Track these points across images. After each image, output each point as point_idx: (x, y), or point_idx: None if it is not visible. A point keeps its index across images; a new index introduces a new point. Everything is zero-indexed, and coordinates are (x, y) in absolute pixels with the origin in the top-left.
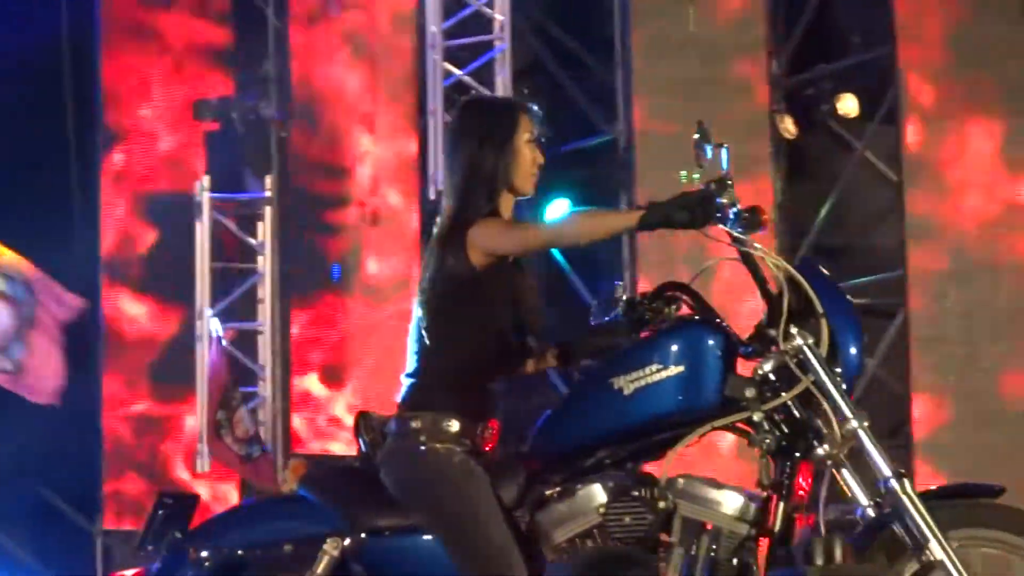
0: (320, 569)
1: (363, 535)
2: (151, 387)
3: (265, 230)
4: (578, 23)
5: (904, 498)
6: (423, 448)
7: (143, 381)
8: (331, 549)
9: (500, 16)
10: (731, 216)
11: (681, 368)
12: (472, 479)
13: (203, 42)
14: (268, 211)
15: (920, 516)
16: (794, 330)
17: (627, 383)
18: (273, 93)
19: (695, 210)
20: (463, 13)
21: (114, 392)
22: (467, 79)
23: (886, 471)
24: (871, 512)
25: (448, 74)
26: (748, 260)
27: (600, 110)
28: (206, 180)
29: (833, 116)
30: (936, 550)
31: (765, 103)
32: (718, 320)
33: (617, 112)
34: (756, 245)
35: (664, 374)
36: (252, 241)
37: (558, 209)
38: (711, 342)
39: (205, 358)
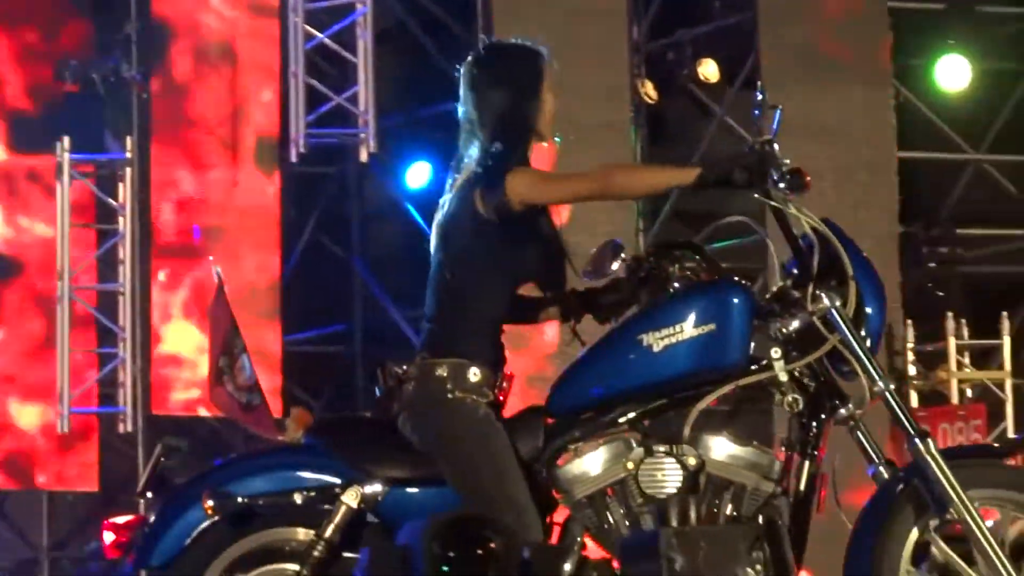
0: (338, 519)
1: (380, 486)
2: None
3: (125, 192)
4: None
5: (928, 458)
6: (449, 397)
7: None
8: (350, 500)
9: None
10: (775, 177)
11: (712, 327)
12: (495, 433)
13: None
14: (129, 172)
15: (944, 476)
16: (821, 291)
17: (656, 340)
18: (135, 54)
19: (754, 170)
20: None
21: None
22: (328, 42)
23: (911, 431)
24: (884, 472)
25: (309, 37)
26: (782, 220)
27: None
28: (66, 141)
29: (694, 81)
30: (960, 509)
31: (625, 68)
32: (742, 279)
33: None
34: (796, 207)
35: (695, 332)
36: (112, 202)
37: (419, 172)
38: (740, 301)
39: (66, 317)
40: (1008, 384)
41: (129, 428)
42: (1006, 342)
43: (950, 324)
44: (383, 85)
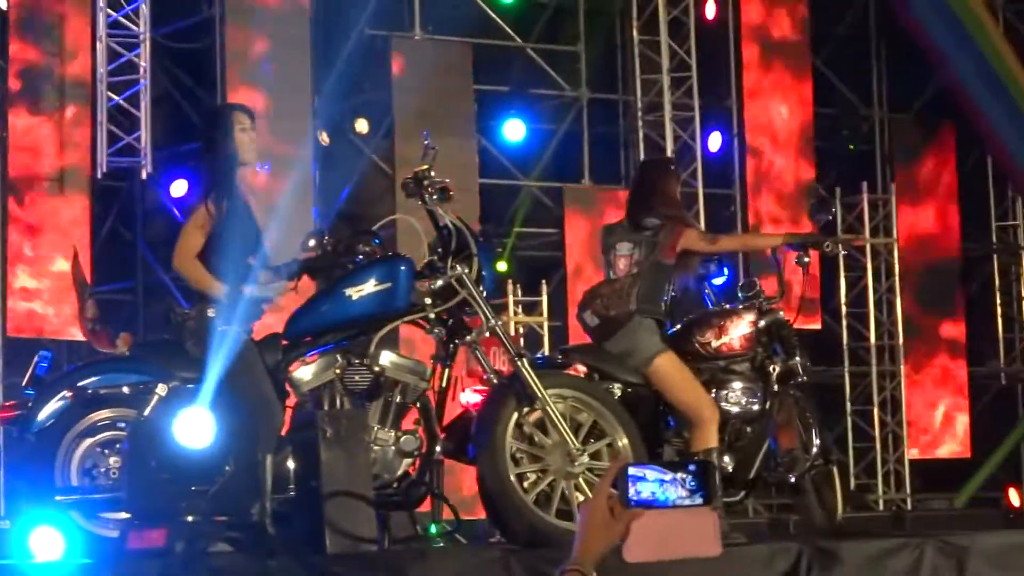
0: (152, 402)
1: (177, 383)
2: None
3: None
4: None
5: (523, 369)
6: (219, 329)
7: None
8: (160, 391)
9: None
10: (431, 191)
11: (388, 284)
12: (248, 349)
13: None
14: None
15: (532, 380)
16: (455, 263)
17: (353, 292)
18: None
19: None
20: None
21: None
22: (123, 103)
23: (512, 352)
24: (495, 378)
25: (110, 99)
26: (432, 218)
27: None
28: None
29: (352, 131)
30: (542, 401)
31: (309, 121)
32: (405, 255)
33: None
34: (442, 210)
35: (377, 287)
36: None
37: (180, 186)
38: (405, 268)
39: None
40: (545, 324)
41: None
42: (544, 299)
43: (510, 286)
44: (156, 129)
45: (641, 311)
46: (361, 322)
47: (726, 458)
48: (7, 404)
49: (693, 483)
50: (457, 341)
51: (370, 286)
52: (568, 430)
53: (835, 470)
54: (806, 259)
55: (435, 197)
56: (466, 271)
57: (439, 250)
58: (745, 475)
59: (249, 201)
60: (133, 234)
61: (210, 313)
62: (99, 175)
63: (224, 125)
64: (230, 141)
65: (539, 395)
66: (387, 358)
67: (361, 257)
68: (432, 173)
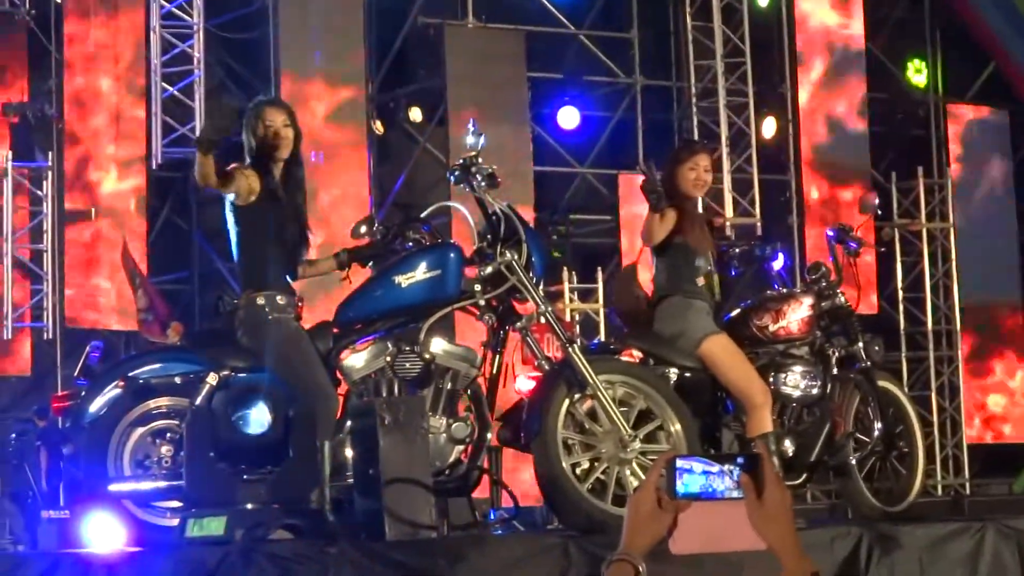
0: (204, 392)
1: (228, 372)
2: None
3: (47, 186)
4: None
5: (574, 355)
6: (269, 318)
7: None
8: (211, 380)
9: None
10: (479, 177)
11: (438, 271)
12: (301, 338)
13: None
14: (50, 174)
15: (583, 366)
16: (505, 249)
17: (403, 279)
18: (55, 101)
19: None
20: None
21: None
22: (177, 93)
23: (563, 338)
24: (546, 365)
25: (165, 90)
26: (481, 205)
27: None
28: (9, 154)
29: (406, 120)
30: (593, 387)
31: (363, 111)
32: (454, 242)
33: None
34: (490, 196)
35: (427, 275)
36: (39, 192)
37: None
38: (455, 255)
39: (8, 265)
40: (601, 311)
41: (49, 336)
42: (600, 285)
43: (565, 273)
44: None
45: (667, 293)
46: (411, 309)
47: (786, 442)
48: (61, 395)
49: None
50: (507, 328)
51: (420, 273)
52: (620, 416)
53: (895, 457)
54: (853, 245)
55: (483, 184)
56: (515, 257)
57: (488, 237)
58: (805, 460)
59: (296, 197)
60: (189, 224)
61: (259, 302)
62: (154, 166)
63: (252, 122)
64: (258, 138)
65: (590, 381)
66: (438, 345)
67: (411, 244)
68: (480, 160)
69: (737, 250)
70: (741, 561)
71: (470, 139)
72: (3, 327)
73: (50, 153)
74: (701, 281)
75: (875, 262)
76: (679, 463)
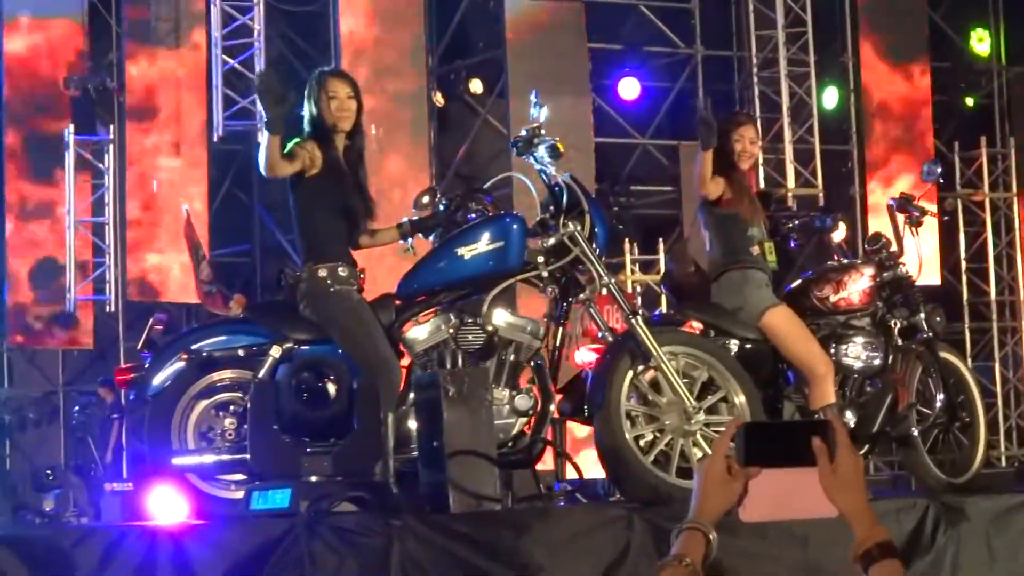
0: (268, 364)
1: (291, 344)
2: None
3: (109, 159)
4: None
5: (637, 327)
6: (331, 289)
7: None
8: (274, 353)
9: None
10: (541, 149)
11: (500, 243)
12: (364, 310)
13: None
14: (111, 147)
15: (647, 337)
16: (568, 220)
17: (466, 251)
18: (115, 74)
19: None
20: None
21: None
22: (237, 66)
23: (627, 309)
24: (609, 336)
25: (225, 63)
26: (544, 176)
27: None
28: (71, 127)
29: (467, 92)
30: (657, 359)
31: (424, 83)
32: (517, 213)
33: None
34: (552, 168)
35: (490, 246)
36: (101, 166)
37: None
38: (517, 227)
39: (71, 239)
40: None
41: (111, 309)
42: (661, 257)
43: (627, 245)
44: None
45: (724, 268)
46: (474, 281)
47: (848, 413)
48: (124, 367)
49: None
50: (570, 299)
51: (483, 245)
52: (683, 387)
53: (958, 427)
54: (916, 214)
55: (546, 155)
56: (578, 228)
57: (551, 208)
58: (868, 431)
59: (357, 169)
60: (250, 197)
61: (321, 274)
62: (215, 139)
63: (315, 92)
64: (320, 109)
65: (654, 353)
66: (500, 317)
67: (473, 216)
68: (543, 131)
69: (797, 221)
70: (807, 531)
71: (533, 111)
72: (66, 300)
73: (111, 126)
74: (756, 250)
75: (938, 232)
76: (749, 430)
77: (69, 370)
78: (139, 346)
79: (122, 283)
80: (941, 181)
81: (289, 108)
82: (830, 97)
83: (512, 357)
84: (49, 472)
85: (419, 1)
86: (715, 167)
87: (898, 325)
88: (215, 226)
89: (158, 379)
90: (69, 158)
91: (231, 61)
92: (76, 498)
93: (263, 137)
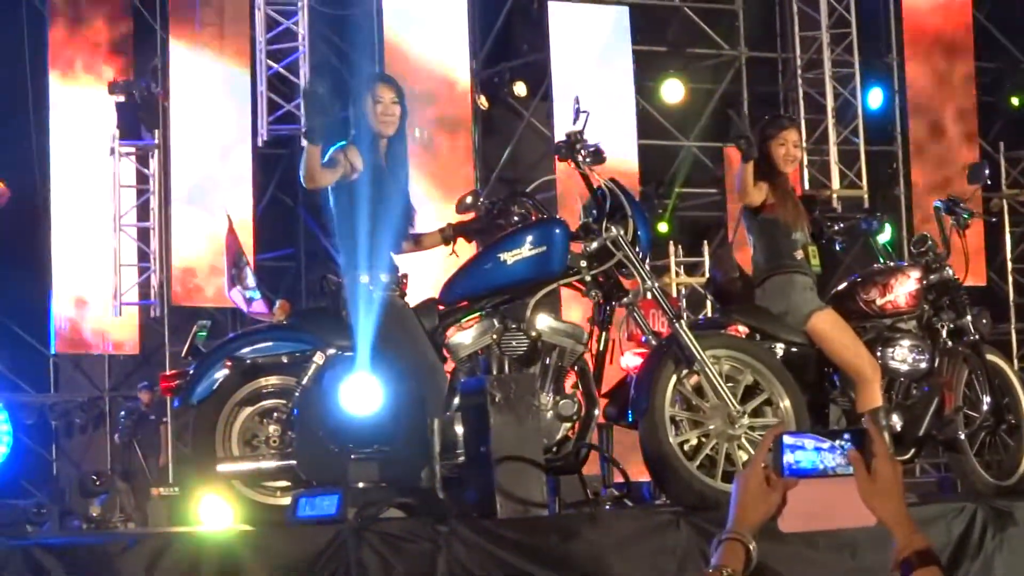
0: (311, 371)
1: (335, 351)
2: None
3: (154, 165)
4: None
5: (681, 331)
6: (375, 296)
7: None
8: (318, 359)
9: None
10: (583, 153)
11: (543, 248)
12: (407, 315)
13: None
14: (156, 153)
15: (691, 342)
16: (610, 224)
17: (509, 256)
18: (160, 79)
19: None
20: None
21: None
22: (282, 70)
23: (670, 313)
24: (653, 340)
25: (270, 67)
26: (586, 180)
27: None
28: (116, 132)
29: (510, 95)
30: (701, 363)
31: (468, 86)
32: (560, 217)
33: None
34: (595, 172)
35: (533, 251)
36: (146, 171)
37: None
38: (560, 231)
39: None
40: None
41: (156, 315)
42: (706, 259)
43: (671, 248)
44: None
45: (768, 273)
46: (518, 286)
47: (894, 417)
48: (169, 374)
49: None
50: (614, 303)
51: (526, 250)
52: (727, 391)
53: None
54: (963, 216)
55: (588, 159)
56: (621, 232)
57: (594, 212)
58: (914, 434)
59: (399, 173)
60: (294, 201)
61: (363, 280)
62: (260, 143)
63: (361, 97)
64: (365, 113)
65: (698, 357)
66: (544, 322)
67: (517, 219)
68: (584, 135)
69: (842, 224)
70: (855, 539)
71: (575, 116)
72: (113, 305)
73: (156, 131)
74: (800, 255)
75: (983, 233)
76: (786, 440)
77: (115, 375)
78: (183, 353)
79: (167, 289)
80: (988, 183)
81: (333, 119)
82: (875, 98)
83: (556, 362)
84: (96, 477)
85: (463, 4)
86: (758, 173)
87: (945, 328)
88: (259, 231)
89: (202, 385)
90: (115, 163)
91: (275, 66)
92: (123, 503)
93: (305, 148)
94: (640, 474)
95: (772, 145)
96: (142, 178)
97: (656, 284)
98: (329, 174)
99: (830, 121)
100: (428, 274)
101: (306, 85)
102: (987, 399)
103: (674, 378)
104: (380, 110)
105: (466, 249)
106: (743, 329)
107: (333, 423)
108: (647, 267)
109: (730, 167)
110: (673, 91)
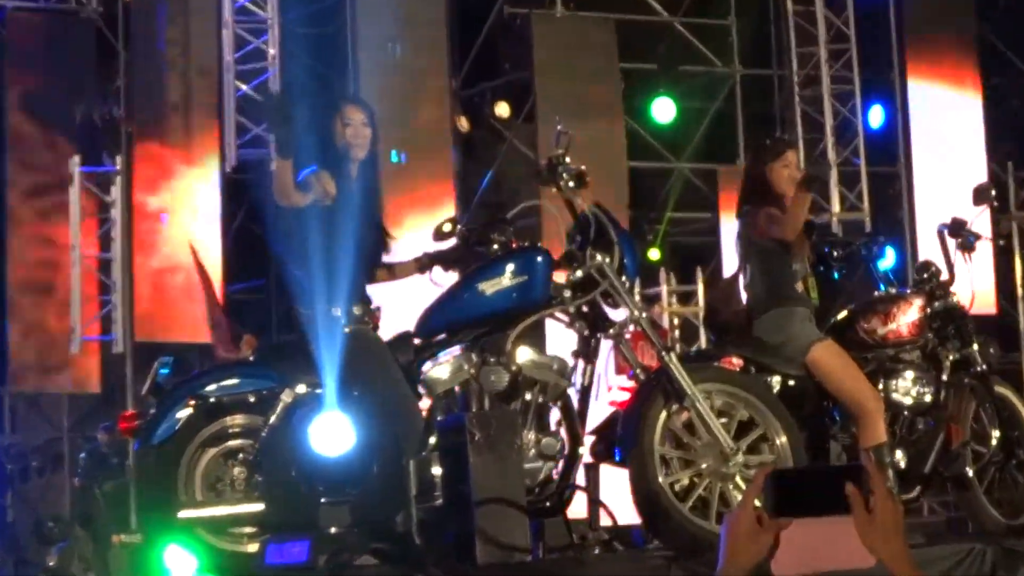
0: (279, 410)
1: (304, 388)
2: None
3: (116, 192)
4: None
5: (670, 364)
6: (345, 329)
7: None
8: (286, 397)
9: None
10: (566, 177)
11: (524, 277)
12: (381, 349)
13: None
14: (119, 179)
15: (681, 376)
16: (595, 252)
17: (488, 286)
18: (123, 102)
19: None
20: None
21: None
22: (250, 92)
23: (659, 345)
24: (641, 374)
25: (238, 88)
26: (570, 205)
27: None
28: (76, 158)
29: (492, 116)
30: (691, 399)
31: (447, 107)
32: (542, 245)
33: None
34: (579, 196)
35: (513, 281)
36: (107, 198)
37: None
38: (542, 260)
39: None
40: (701, 315)
41: (119, 350)
42: (700, 288)
43: (662, 275)
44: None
45: (767, 306)
46: (498, 318)
47: (898, 453)
48: (128, 414)
49: None
50: (600, 335)
51: (506, 279)
52: (720, 428)
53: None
54: (969, 239)
55: (571, 184)
56: (606, 260)
57: (578, 239)
58: (920, 471)
59: (371, 198)
60: (264, 230)
61: (334, 312)
62: (228, 168)
63: (330, 120)
64: (335, 137)
65: (688, 392)
66: (525, 355)
67: (496, 247)
68: (567, 159)
69: (841, 250)
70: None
71: (555, 139)
72: (71, 340)
73: (118, 157)
74: (800, 287)
75: (993, 257)
76: (777, 478)
77: (74, 415)
78: (144, 391)
79: (129, 323)
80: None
81: (295, 125)
82: (876, 116)
83: (538, 398)
84: (53, 524)
85: (441, 20)
86: (757, 199)
87: (950, 358)
88: (229, 260)
89: (164, 426)
90: (74, 190)
91: (244, 87)
92: (82, 552)
93: (275, 164)
94: (630, 516)
95: (774, 168)
96: (103, 206)
97: (644, 315)
98: (301, 196)
99: (829, 141)
100: (403, 306)
101: (264, 98)
102: (996, 433)
103: (664, 414)
104: (350, 132)
105: (444, 279)
106: (737, 361)
107: (302, 464)
108: (635, 296)
109: (724, 195)
110: (664, 110)
